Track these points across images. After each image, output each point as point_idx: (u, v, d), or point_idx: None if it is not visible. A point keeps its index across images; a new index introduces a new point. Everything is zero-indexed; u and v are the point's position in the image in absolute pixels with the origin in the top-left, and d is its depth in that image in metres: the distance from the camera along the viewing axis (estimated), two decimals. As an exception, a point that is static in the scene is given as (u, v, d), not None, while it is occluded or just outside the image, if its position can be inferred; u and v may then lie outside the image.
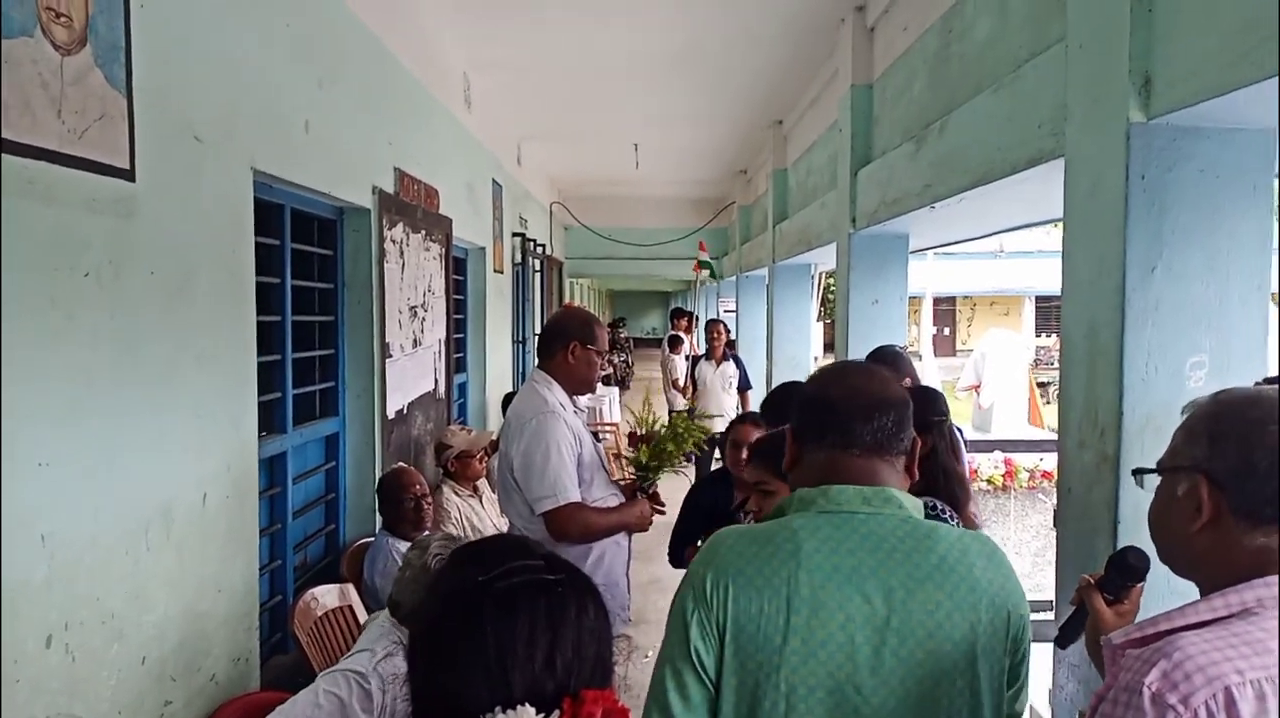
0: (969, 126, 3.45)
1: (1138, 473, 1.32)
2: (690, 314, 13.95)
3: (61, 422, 1.91)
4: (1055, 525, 2.74)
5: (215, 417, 2.59)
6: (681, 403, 9.47)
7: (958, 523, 2.38)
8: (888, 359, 3.87)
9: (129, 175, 2.15)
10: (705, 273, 12.15)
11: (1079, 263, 2.47)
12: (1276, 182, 2.39)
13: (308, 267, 3.74)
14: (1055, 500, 2.78)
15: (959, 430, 3.99)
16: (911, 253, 5.59)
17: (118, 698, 2.10)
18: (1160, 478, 1.23)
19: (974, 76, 3.55)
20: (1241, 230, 2.21)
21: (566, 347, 3.03)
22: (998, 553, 1.42)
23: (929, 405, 2.53)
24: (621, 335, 20.01)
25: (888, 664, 1.33)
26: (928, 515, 2.35)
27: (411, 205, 4.59)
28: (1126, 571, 1.53)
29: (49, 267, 1.87)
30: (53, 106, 1.91)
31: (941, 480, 2.47)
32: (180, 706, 2.39)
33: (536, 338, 9.70)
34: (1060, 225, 2.65)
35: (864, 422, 1.45)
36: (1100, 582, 1.54)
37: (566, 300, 13.59)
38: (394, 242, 4.28)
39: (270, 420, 3.31)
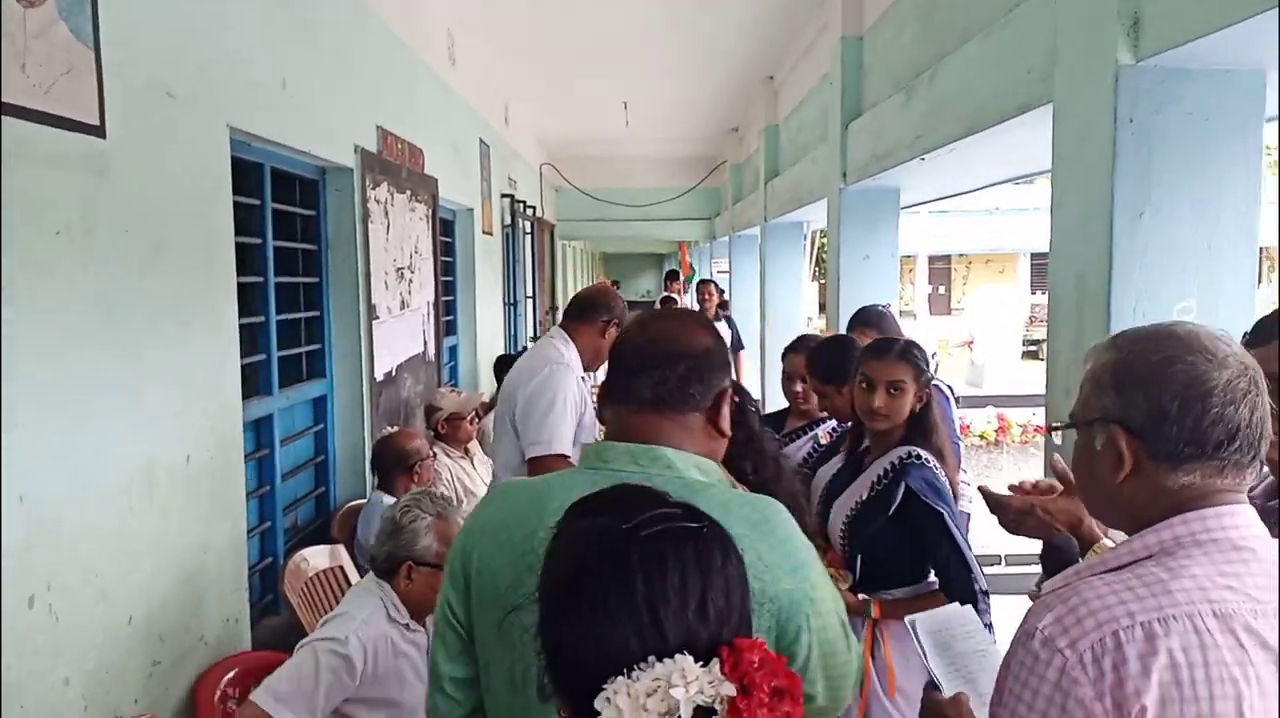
0: (959, 75, 3.41)
1: (1052, 428, 1.32)
2: (679, 274, 13.97)
3: (37, 382, 1.88)
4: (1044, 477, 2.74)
5: (196, 378, 2.56)
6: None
7: (940, 471, 2.37)
8: (870, 320, 3.78)
9: (99, 131, 2.11)
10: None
11: (1068, 210, 2.44)
12: (1273, 124, 2.36)
13: (290, 227, 3.70)
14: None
15: (949, 388, 3.96)
16: (904, 209, 5.55)
17: (104, 657, 2.10)
18: (1076, 432, 1.22)
19: (963, 24, 3.50)
20: (1230, 173, 2.18)
21: (607, 321, 3.02)
22: (773, 521, 1.29)
23: (926, 359, 2.51)
24: (615, 298, 20.01)
25: None
26: (906, 463, 2.36)
27: (395, 165, 4.53)
28: (1059, 556, 1.52)
29: (17, 224, 1.84)
30: (17, 60, 1.86)
31: (931, 433, 2.44)
32: (169, 665, 2.40)
33: (530, 299, 9.69)
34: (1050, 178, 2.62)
35: (643, 376, 1.34)
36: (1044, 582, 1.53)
37: (558, 262, 13.53)
38: (378, 202, 4.23)
39: (255, 383, 3.29)
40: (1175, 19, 2.01)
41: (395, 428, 4.22)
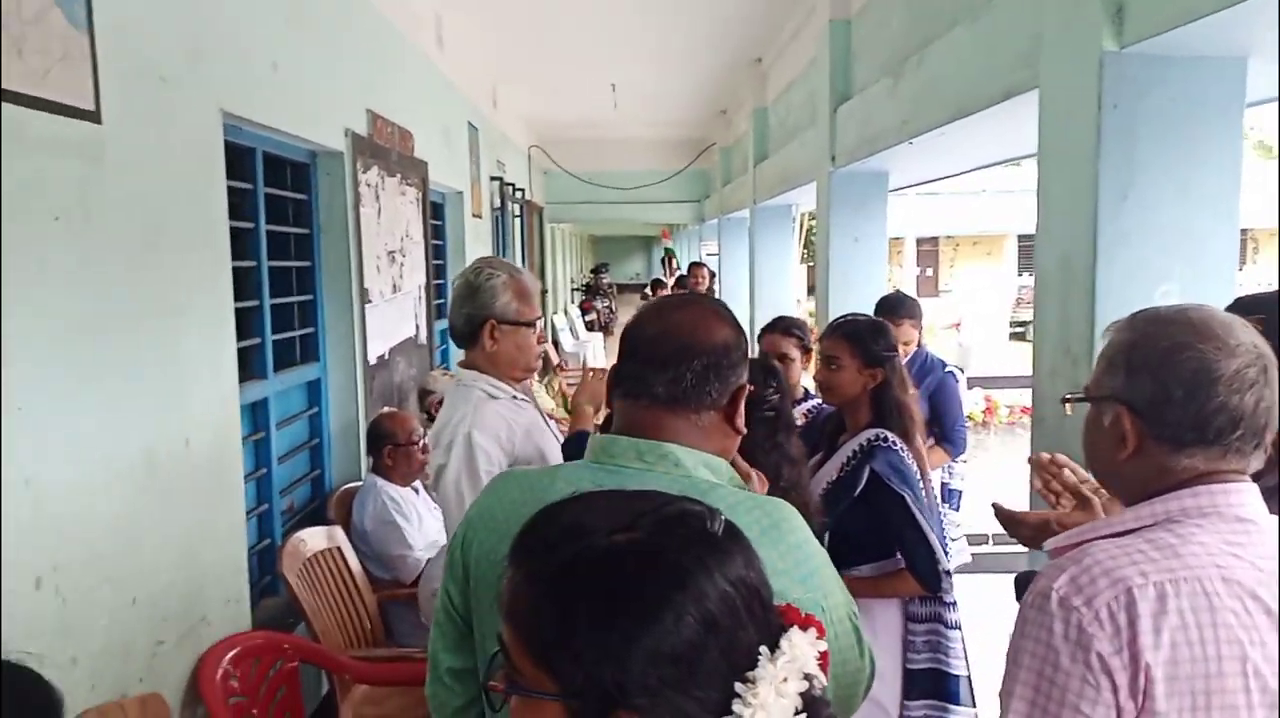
0: (946, 60, 3.44)
1: (1065, 400, 1.34)
2: (673, 256, 14.06)
3: (38, 365, 1.91)
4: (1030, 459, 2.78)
5: (193, 362, 2.59)
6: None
7: (906, 455, 2.42)
8: (892, 304, 3.98)
9: (94, 117, 2.12)
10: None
11: (1053, 194, 2.49)
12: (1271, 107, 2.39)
13: (282, 211, 3.71)
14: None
15: (957, 371, 4.03)
16: (892, 191, 5.59)
17: (110, 638, 2.14)
18: (1089, 404, 1.24)
19: (951, 9, 3.52)
20: (1211, 158, 2.23)
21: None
22: (783, 527, 1.22)
23: (878, 340, 2.53)
24: (604, 281, 19.98)
25: None
26: (873, 446, 2.41)
27: (385, 148, 4.54)
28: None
29: (16, 210, 1.85)
30: (14, 46, 1.87)
31: (894, 415, 2.48)
32: (172, 645, 2.43)
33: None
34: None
35: (657, 370, 1.27)
36: None
37: (548, 245, 13.53)
38: (369, 185, 4.24)
39: (251, 367, 3.31)
40: (1158, 7, 2.05)
41: (391, 410, 4.25)
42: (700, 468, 1.27)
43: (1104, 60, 2.19)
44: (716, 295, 9.80)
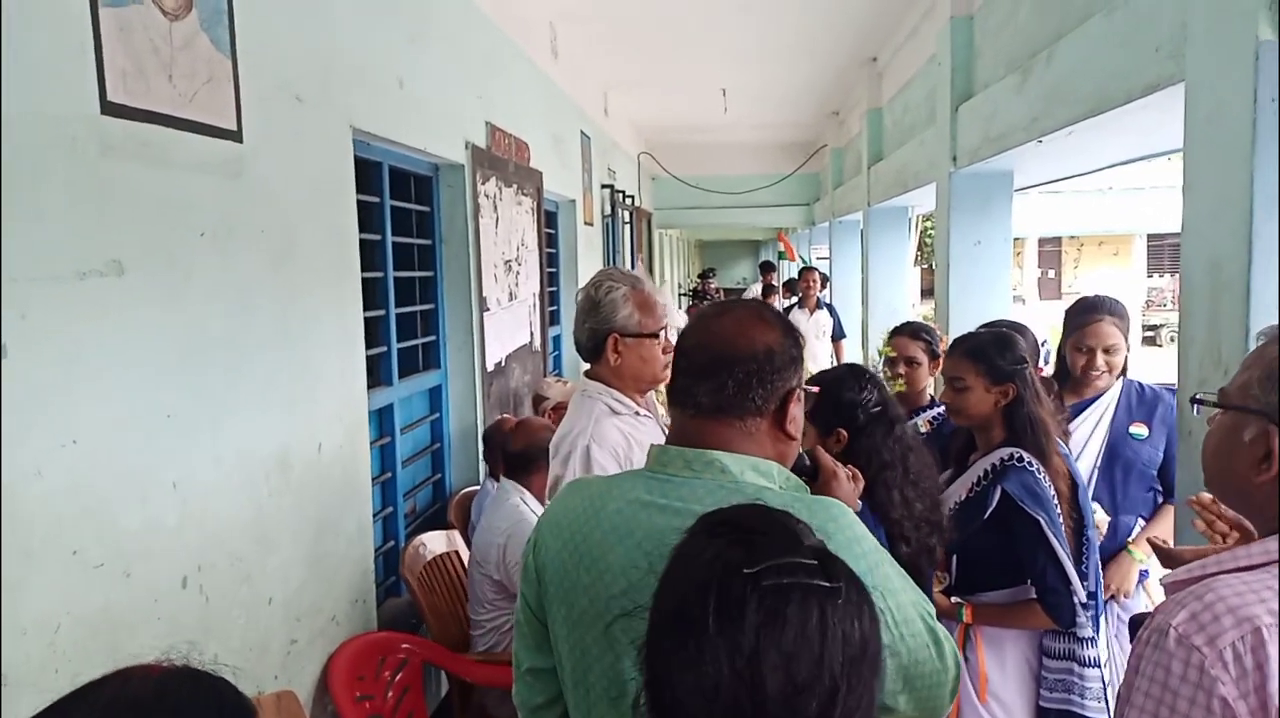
0: (1079, 54, 3.28)
1: (1196, 402, 1.23)
2: (774, 266, 14.06)
3: (184, 374, 2.01)
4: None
5: (325, 370, 2.68)
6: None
7: (1044, 476, 2.29)
8: (1086, 305, 3.08)
9: (236, 136, 2.22)
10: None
11: (1201, 194, 2.34)
12: None
13: (406, 223, 3.82)
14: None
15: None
16: (1015, 191, 5.38)
17: (248, 636, 2.23)
18: (1224, 412, 1.15)
19: (1083, 1, 3.37)
20: (1385, 154, 2.05)
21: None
22: (830, 527, 1.19)
23: (1004, 354, 2.38)
24: (711, 286, 19.90)
25: None
26: (1006, 465, 2.30)
27: (503, 159, 4.62)
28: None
29: (166, 227, 1.96)
30: (164, 71, 1.98)
31: (1028, 432, 2.34)
32: (305, 644, 2.52)
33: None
34: (1178, 157, 2.51)
35: (700, 381, 1.29)
36: None
37: (656, 251, 13.58)
38: (487, 196, 4.33)
39: (378, 373, 3.42)
40: (1324, -10, 1.90)
41: (508, 415, 4.33)
42: (747, 473, 1.27)
43: (1260, 51, 2.05)
44: (828, 300, 9.64)
